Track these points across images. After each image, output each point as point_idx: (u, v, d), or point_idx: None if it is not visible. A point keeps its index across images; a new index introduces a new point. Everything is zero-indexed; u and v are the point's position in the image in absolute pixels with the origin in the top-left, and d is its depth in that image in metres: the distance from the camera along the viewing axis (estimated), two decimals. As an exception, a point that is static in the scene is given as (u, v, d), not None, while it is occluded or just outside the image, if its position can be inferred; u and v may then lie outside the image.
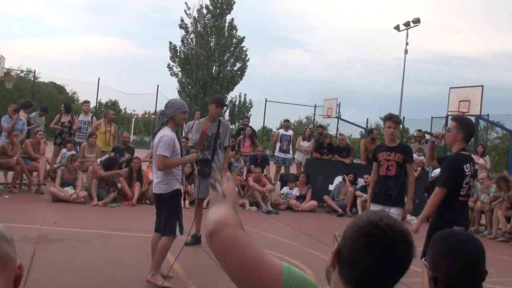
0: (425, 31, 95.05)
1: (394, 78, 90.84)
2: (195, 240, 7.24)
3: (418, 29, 26.72)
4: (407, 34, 27.90)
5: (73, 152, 11.10)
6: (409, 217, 11.50)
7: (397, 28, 28.36)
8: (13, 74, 29.45)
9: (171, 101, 5.33)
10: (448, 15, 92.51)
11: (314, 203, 11.73)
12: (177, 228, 5.17)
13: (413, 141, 13.89)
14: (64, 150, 11.42)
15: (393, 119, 6.22)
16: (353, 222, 1.43)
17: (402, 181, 6.14)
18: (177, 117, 5.23)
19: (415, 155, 12.63)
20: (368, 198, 6.68)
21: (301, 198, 11.84)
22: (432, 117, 23.05)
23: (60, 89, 43.69)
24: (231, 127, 29.63)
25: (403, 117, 26.89)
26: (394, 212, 6.13)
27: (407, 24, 27.69)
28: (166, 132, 5.13)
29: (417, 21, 27.26)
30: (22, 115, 11.96)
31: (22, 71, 36.20)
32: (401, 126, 6.58)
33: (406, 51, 28.14)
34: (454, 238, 1.93)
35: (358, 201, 11.54)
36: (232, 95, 33.07)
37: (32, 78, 32.18)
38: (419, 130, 13.52)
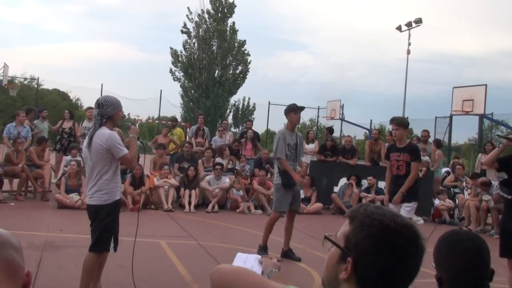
0: (426, 31, 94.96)
1: (397, 78, 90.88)
2: (264, 252, 6.67)
3: (420, 30, 26.67)
4: (409, 34, 27.87)
5: (78, 158, 11.12)
6: (414, 218, 11.48)
7: (399, 28, 28.32)
8: (16, 81, 29.60)
9: (107, 99, 4.71)
10: (449, 15, 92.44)
11: (319, 205, 11.72)
12: (112, 244, 4.64)
13: (416, 141, 13.84)
14: (68, 157, 11.45)
15: (394, 122, 6.63)
16: (364, 231, 1.32)
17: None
18: (116, 116, 4.72)
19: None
20: (385, 197, 6.95)
21: (306, 200, 11.82)
22: (436, 117, 22.99)
23: (63, 95, 43.82)
24: (234, 130, 29.62)
25: (407, 118, 26.85)
26: (406, 206, 6.46)
27: (409, 25, 27.65)
28: (107, 131, 4.56)
29: (419, 21, 27.21)
30: (26, 122, 11.99)
31: (25, 79, 36.34)
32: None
33: (408, 52, 28.10)
34: (455, 237, 1.94)
35: (364, 202, 11.51)
36: (235, 98, 33.09)
37: (36, 86, 32.30)
38: (425, 130, 13.50)
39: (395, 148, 6.63)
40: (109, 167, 4.55)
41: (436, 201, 11.79)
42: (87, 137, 4.68)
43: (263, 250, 6.90)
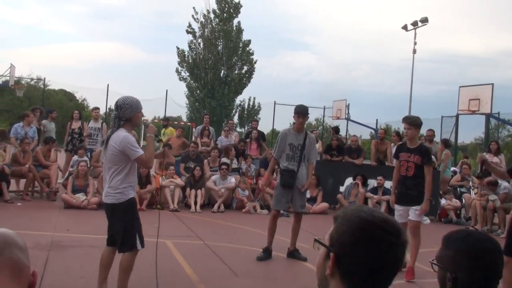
0: (430, 31, 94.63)
1: (401, 78, 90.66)
2: (267, 254, 6.85)
3: (423, 29, 26.50)
4: (415, 33, 27.79)
5: (85, 158, 11.16)
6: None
7: (405, 28, 28.24)
8: (23, 82, 29.71)
9: (125, 101, 4.59)
10: (452, 15, 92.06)
11: (325, 205, 11.70)
12: (138, 241, 4.63)
13: (423, 140, 13.80)
14: (75, 157, 11.49)
15: (407, 120, 6.49)
16: (344, 225, 1.39)
17: (420, 181, 6.39)
18: (135, 118, 4.67)
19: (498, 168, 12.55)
20: (391, 198, 6.93)
21: (311, 200, 11.80)
22: (442, 117, 22.93)
23: (70, 96, 43.97)
24: (240, 130, 29.55)
25: (419, 117, 26.76)
26: (415, 210, 6.35)
27: (415, 24, 27.57)
28: (123, 133, 4.52)
29: (425, 20, 27.13)
30: (34, 122, 12.04)
31: (32, 79, 36.56)
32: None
33: (414, 51, 28.00)
34: (473, 238, 1.91)
35: (370, 203, 11.50)
36: (240, 98, 33.11)
37: (42, 86, 32.45)
38: (430, 130, 13.45)
39: (406, 148, 6.50)
40: (123, 168, 4.58)
41: (443, 201, 11.74)
42: (104, 139, 4.73)
43: (266, 251, 6.86)
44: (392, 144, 13.14)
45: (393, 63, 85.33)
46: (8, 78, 22.23)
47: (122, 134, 4.51)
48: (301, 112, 6.94)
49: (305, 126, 7.20)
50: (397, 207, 6.54)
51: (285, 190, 6.92)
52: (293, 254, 6.94)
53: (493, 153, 12.01)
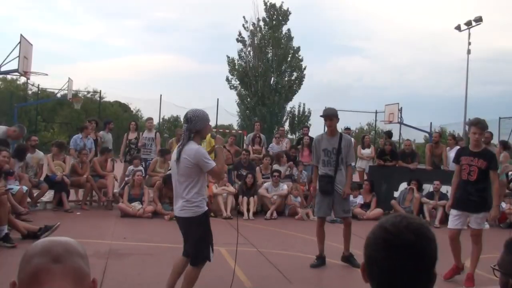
0: (487, 29, 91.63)
1: (457, 79, 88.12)
2: (321, 261, 6.80)
3: (480, 28, 25.86)
4: (469, 33, 27.06)
5: (140, 168, 11.40)
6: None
7: (458, 28, 27.55)
8: (80, 95, 30.73)
9: (195, 114, 4.64)
10: (510, 11, 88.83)
11: (379, 211, 11.50)
12: (211, 253, 4.68)
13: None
14: (130, 166, 11.75)
15: (479, 125, 6.15)
16: (369, 232, 1.50)
17: (483, 186, 6.10)
18: (205, 130, 4.72)
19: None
20: (449, 203, 6.61)
21: (365, 206, 11.65)
22: (499, 118, 22.16)
23: (124, 107, 45.12)
24: (291, 137, 29.52)
25: (468, 119, 25.99)
26: (476, 218, 6.11)
27: (468, 24, 26.85)
28: (195, 146, 4.56)
29: (479, 19, 26.39)
30: (92, 134, 12.41)
31: (88, 92, 37.75)
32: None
33: (469, 51, 27.30)
34: None
35: (425, 208, 11.22)
36: (291, 105, 33.10)
37: (98, 98, 33.46)
38: (487, 132, 13.02)
39: (468, 152, 6.19)
40: (197, 181, 4.61)
41: (502, 205, 11.32)
42: (175, 152, 4.67)
43: (319, 258, 6.81)
44: (448, 147, 12.81)
45: (449, 64, 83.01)
46: (66, 91, 23.03)
47: (194, 147, 4.54)
48: (326, 114, 6.85)
49: (338, 128, 7.03)
50: (453, 212, 6.28)
51: (324, 196, 6.83)
52: (348, 259, 6.84)
53: None
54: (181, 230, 4.83)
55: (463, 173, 6.18)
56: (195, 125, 4.60)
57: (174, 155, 4.69)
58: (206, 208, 4.74)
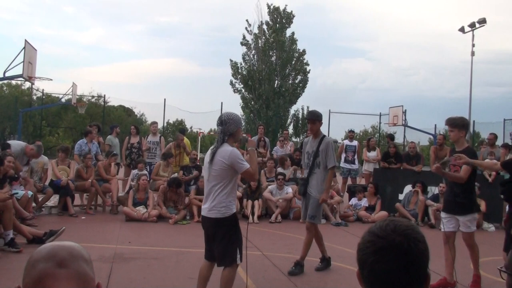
0: (491, 31, 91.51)
1: (461, 81, 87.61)
2: (325, 263, 6.72)
3: (484, 30, 25.87)
4: (473, 35, 27.03)
5: (144, 172, 11.43)
6: (485, 225, 11.04)
7: (461, 30, 27.52)
8: (84, 100, 30.82)
9: (230, 116, 4.74)
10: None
11: (384, 213, 11.48)
12: (238, 255, 4.65)
13: (484, 145, 13.36)
14: (135, 171, 11.78)
15: (448, 123, 6.07)
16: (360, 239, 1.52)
17: (470, 187, 5.97)
18: (237, 133, 4.76)
19: (487, 160, 12.17)
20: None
21: (370, 209, 11.63)
22: (504, 120, 22.11)
23: (129, 111, 45.22)
24: (295, 140, 29.49)
25: (473, 121, 25.97)
26: (463, 220, 5.94)
27: (472, 25, 26.82)
28: (229, 148, 4.62)
29: (482, 21, 26.35)
30: (96, 138, 12.46)
31: (93, 97, 37.80)
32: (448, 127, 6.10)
33: (472, 53, 27.23)
34: None
35: (430, 211, 11.20)
36: (295, 108, 33.11)
37: (103, 103, 33.55)
38: (491, 133, 13.01)
39: (454, 152, 6.04)
40: (229, 182, 4.65)
41: (508, 207, 11.26)
42: (208, 154, 4.70)
43: (325, 261, 6.76)
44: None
45: (452, 66, 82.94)
46: (70, 96, 23.11)
47: (229, 149, 4.59)
48: (309, 118, 6.85)
49: (320, 131, 6.81)
50: (443, 214, 6.16)
51: (303, 199, 6.80)
52: (298, 264, 6.58)
53: None
54: (207, 231, 4.77)
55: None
56: (229, 128, 4.66)
57: (207, 157, 4.72)
58: (235, 210, 4.76)
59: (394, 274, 1.39)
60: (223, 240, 4.62)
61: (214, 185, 4.62)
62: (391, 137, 15.20)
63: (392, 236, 1.40)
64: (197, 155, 13.29)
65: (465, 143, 6.08)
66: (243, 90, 32.72)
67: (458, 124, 5.99)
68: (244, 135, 5.18)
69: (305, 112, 32.78)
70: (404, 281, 1.40)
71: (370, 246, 1.43)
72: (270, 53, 32.67)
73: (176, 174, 11.65)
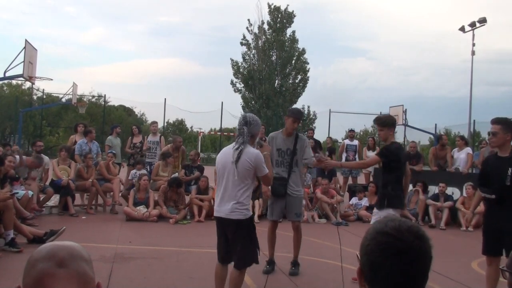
0: (491, 30, 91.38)
1: (462, 81, 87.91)
2: (273, 267, 6.62)
3: (485, 29, 25.90)
4: (473, 35, 27.02)
5: (144, 171, 11.43)
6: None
7: (462, 29, 27.51)
8: (85, 99, 30.81)
9: (253, 118, 4.77)
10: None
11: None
12: (258, 255, 4.67)
13: (484, 144, 13.35)
14: (134, 170, 11.78)
15: (376, 122, 6.16)
16: (363, 239, 1.50)
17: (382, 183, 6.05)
18: (257, 136, 4.82)
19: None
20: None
21: (371, 208, 11.60)
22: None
23: (129, 111, 45.27)
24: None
25: (474, 121, 25.94)
26: (374, 214, 6.05)
27: (472, 25, 26.81)
28: (255, 150, 4.65)
29: (483, 20, 26.34)
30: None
31: (93, 97, 37.84)
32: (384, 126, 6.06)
33: (473, 52, 27.23)
34: None
35: (431, 210, 11.20)
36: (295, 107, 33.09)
37: (103, 103, 33.56)
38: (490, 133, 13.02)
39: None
40: (251, 184, 4.67)
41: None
42: (232, 153, 4.61)
43: (271, 264, 6.64)
44: (457, 149, 12.84)
45: (453, 65, 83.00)
46: (71, 96, 23.09)
47: (255, 151, 4.62)
48: (299, 117, 6.58)
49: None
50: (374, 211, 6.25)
51: (277, 199, 6.51)
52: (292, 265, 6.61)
53: None
54: (225, 234, 4.69)
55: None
56: (253, 129, 4.69)
57: (230, 157, 4.62)
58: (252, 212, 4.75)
59: (408, 275, 1.39)
60: (245, 242, 4.57)
61: (238, 186, 4.56)
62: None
63: (408, 236, 1.40)
64: (199, 155, 13.29)
65: (393, 140, 6.11)
66: (244, 90, 32.72)
67: (388, 123, 6.06)
68: (261, 140, 5.16)
69: (306, 111, 32.79)
70: (415, 281, 1.41)
71: (385, 247, 1.40)
72: (271, 52, 32.66)
73: (177, 174, 11.65)
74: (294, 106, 32.99)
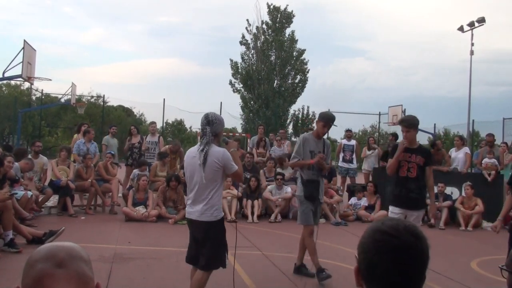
0: (490, 30, 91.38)
1: (461, 81, 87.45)
2: (326, 273, 6.15)
3: (483, 29, 25.95)
4: (472, 34, 27.03)
5: (146, 173, 11.41)
6: (484, 224, 11.04)
7: (461, 29, 27.53)
8: (84, 100, 30.79)
9: (216, 117, 4.68)
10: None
11: (384, 212, 11.45)
12: (227, 259, 4.58)
13: (483, 144, 13.38)
14: (135, 170, 11.75)
15: (403, 124, 6.26)
16: (361, 237, 1.50)
17: (423, 183, 6.13)
18: (220, 134, 4.73)
19: (486, 159, 12.20)
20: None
21: (370, 208, 11.64)
22: (503, 119, 22.12)
23: (128, 111, 45.17)
24: (295, 140, 29.56)
25: (473, 120, 25.94)
26: (413, 214, 6.06)
27: (471, 25, 26.82)
28: (220, 149, 4.55)
29: (481, 20, 26.35)
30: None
31: (92, 97, 37.76)
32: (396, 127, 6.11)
33: (472, 52, 27.23)
34: None
35: (429, 210, 11.19)
36: (294, 107, 33.08)
37: (102, 103, 33.52)
38: (489, 135, 13.07)
39: (405, 149, 6.15)
40: (220, 184, 4.59)
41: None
42: (197, 155, 4.52)
43: (297, 269, 6.48)
44: (455, 148, 12.90)
45: (452, 65, 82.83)
46: (69, 96, 23.08)
47: (220, 150, 4.54)
48: (330, 122, 6.50)
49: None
50: (395, 210, 6.21)
51: (313, 202, 6.32)
52: (300, 269, 6.50)
53: None
54: (196, 235, 4.66)
55: (401, 170, 6.13)
56: (216, 128, 4.59)
57: (196, 159, 4.54)
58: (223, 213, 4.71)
59: (405, 274, 1.40)
60: (214, 244, 4.52)
61: (207, 188, 4.50)
62: (395, 136, 15.19)
63: (406, 235, 1.40)
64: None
65: (417, 142, 6.27)
66: (243, 90, 32.70)
67: (415, 124, 6.17)
68: (225, 137, 5.10)
69: (305, 112, 32.76)
70: (412, 280, 1.41)
71: (383, 245, 1.41)
72: (269, 52, 32.64)
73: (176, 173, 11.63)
74: (293, 106, 33.03)
